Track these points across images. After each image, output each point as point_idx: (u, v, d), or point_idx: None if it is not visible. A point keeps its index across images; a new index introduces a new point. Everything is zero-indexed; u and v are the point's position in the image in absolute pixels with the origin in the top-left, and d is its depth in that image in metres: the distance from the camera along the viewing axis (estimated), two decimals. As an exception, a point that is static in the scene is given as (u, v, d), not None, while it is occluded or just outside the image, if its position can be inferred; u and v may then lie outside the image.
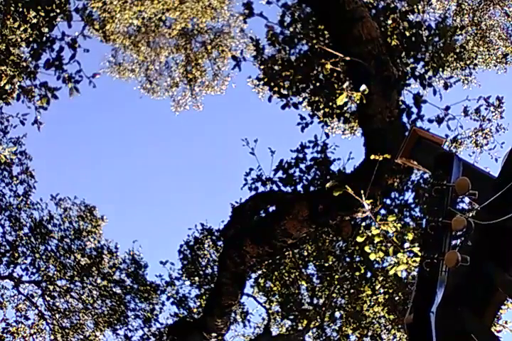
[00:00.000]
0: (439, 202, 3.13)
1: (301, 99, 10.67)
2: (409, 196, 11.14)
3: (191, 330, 10.80)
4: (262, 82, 10.81)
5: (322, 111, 10.70)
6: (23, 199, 13.90)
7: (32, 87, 9.55)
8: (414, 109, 9.68)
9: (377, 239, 7.85)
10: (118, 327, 13.97)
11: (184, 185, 27.86)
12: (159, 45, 16.48)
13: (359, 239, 8.10)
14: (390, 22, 9.94)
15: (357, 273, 11.51)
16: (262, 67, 10.50)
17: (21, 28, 9.06)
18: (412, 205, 11.15)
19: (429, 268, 3.00)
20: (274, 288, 12.68)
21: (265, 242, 9.78)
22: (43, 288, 13.97)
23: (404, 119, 9.51)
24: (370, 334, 11.79)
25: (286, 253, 11.81)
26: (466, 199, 10.63)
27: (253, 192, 11.17)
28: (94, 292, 14.12)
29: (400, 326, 11.28)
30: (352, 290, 11.73)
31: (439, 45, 10.01)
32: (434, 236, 3.06)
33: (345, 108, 10.54)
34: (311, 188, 11.02)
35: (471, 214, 3.15)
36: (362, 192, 7.22)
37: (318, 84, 10.41)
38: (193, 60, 16.39)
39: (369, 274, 11.51)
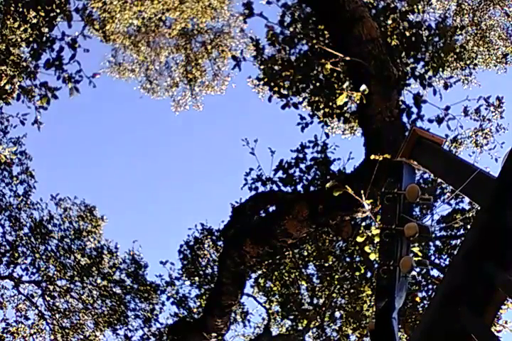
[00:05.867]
0: (391, 209, 3.19)
1: (301, 99, 10.67)
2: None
3: (191, 330, 10.79)
4: (262, 82, 10.80)
5: (322, 111, 10.69)
6: (23, 199, 13.90)
7: (32, 87, 9.55)
8: (414, 109, 9.69)
9: (377, 239, 7.84)
10: (118, 327, 13.97)
11: (184, 185, 27.87)
12: (159, 45, 16.48)
13: (359, 239, 8.09)
14: (390, 22, 9.93)
15: (357, 273, 11.51)
16: (262, 67, 10.50)
17: (21, 28, 9.06)
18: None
19: (385, 274, 3.03)
20: (274, 288, 12.68)
21: (265, 242, 9.77)
22: (43, 288, 13.97)
23: (404, 119, 9.51)
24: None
25: (286, 253, 11.81)
26: (466, 199, 10.63)
27: (253, 192, 11.18)
28: (94, 292, 14.12)
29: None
30: (352, 290, 11.73)
31: (439, 45, 10.01)
32: (389, 244, 3.11)
33: (345, 108, 10.53)
34: (311, 188, 11.01)
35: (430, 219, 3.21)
36: (362, 192, 7.21)
37: (318, 84, 10.41)
38: (193, 60, 16.39)
39: (369, 274, 11.51)
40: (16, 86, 9.50)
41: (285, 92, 10.37)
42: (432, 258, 11.52)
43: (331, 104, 10.40)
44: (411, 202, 3.24)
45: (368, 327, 3.08)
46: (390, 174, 3.28)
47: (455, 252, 10.80)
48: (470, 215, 10.84)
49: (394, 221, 3.15)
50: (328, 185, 7.75)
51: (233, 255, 9.93)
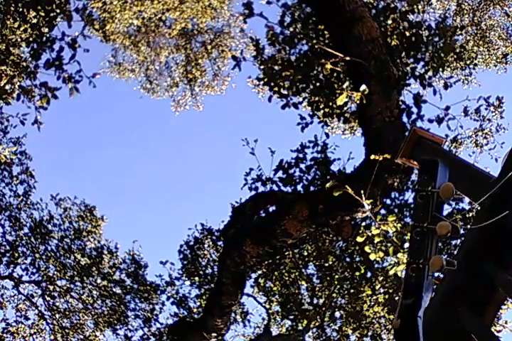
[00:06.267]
0: (424, 207, 3.16)
1: (301, 99, 10.67)
2: (409, 196, 11.16)
3: (191, 330, 10.79)
4: (262, 82, 10.80)
5: (322, 111, 10.69)
6: (23, 199, 13.90)
7: (32, 87, 9.54)
8: (414, 109, 9.69)
9: (377, 239, 7.84)
10: (118, 327, 13.96)
11: (184, 185, 27.87)
12: (159, 45, 16.48)
13: (359, 239, 8.09)
14: (390, 22, 9.94)
15: (357, 273, 11.51)
16: (262, 67, 10.49)
17: (21, 28, 9.06)
18: (412, 205, 11.14)
19: (414, 273, 3.02)
20: (274, 288, 12.67)
21: (265, 242, 9.77)
22: (43, 288, 13.97)
23: (404, 119, 9.52)
24: (370, 334, 11.79)
25: (286, 253, 11.81)
26: (466, 200, 10.63)
27: (253, 192, 11.18)
28: (94, 292, 14.12)
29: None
30: (352, 290, 11.73)
31: (439, 45, 10.01)
32: (419, 242, 3.09)
33: (345, 108, 10.53)
34: (311, 188, 11.01)
35: (456, 219, 3.17)
36: (362, 192, 7.22)
37: (318, 84, 10.41)
38: (193, 60, 16.39)
39: (369, 274, 11.50)
40: (16, 86, 9.49)
41: (285, 92, 10.37)
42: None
43: (331, 104, 10.40)
44: (443, 201, 3.20)
45: (393, 326, 3.06)
46: (424, 171, 3.24)
47: (455, 252, 10.80)
48: (470, 215, 10.84)
49: (426, 219, 3.12)
50: (328, 185, 7.75)
51: (233, 255, 9.94)
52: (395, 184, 9.17)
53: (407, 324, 2.98)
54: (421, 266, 3.05)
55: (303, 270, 12.37)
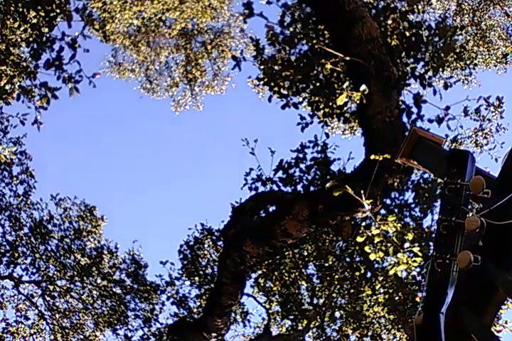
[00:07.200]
0: (452, 201, 3.04)
1: (301, 99, 10.67)
2: (409, 196, 11.16)
3: (191, 330, 10.80)
4: (262, 82, 10.80)
5: (322, 111, 10.69)
6: (23, 199, 13.90)
7: (32, 87, 9.54)
8: (414, 109, 9.70)
9: (377, 239, 7.84)
10: (118, 327, 13.96)
11: (184, 185, 27.87)
12: (159, 45, 16.48)
13: (359, 239, 8.10)
14: (390, 22, 9.94)
15: (357, 273, 11.51)
16: (262, 67, 10.50)
17: (21, 28, 9.05)
18: (412, 205, 11.16)
19: (440, 268, 2.94)
20: (274, 288, 12.67)
21: (265, 242, 9.78)
22: (43, 288, 13.97)
23: (404, 119, 9.53)
24: (370, 334, 11.79)
25: (286, 253, 11.81)
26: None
27: (253, 192, 11.18)
28: (94, 292, 14.12)
29: (400, 326, 11.28)
30: (352, 290, 11.73)
31: (439, 45, 10.01)
32: (447, 236, 2.99)
33: (345, 108, 10.53)
34: (311, 188, 11.02)
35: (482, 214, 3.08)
36: (362, 192, 7.22)
37: (318, 84, 10.41)
38: (193, 60, 16.39)
39: (369, 274, 11.51)
40: (16, 86, 9.49)
41: (285, 92, 10.37)
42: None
43: (331, 104, 10.40)
44: (472, 195, 3.12)
45: (414, 321, 3.00)
46: (452, 163, 3.14)
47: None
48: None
49: (454, 213, 3.01)
50: (328, 185, 7.77)
51: (233, 255, 9.94)
52: (395, 184, 9.18)
53: (428, 320, 2.92)
54: (447, 262, 2.95)
55: (303, 270, 12.37)
